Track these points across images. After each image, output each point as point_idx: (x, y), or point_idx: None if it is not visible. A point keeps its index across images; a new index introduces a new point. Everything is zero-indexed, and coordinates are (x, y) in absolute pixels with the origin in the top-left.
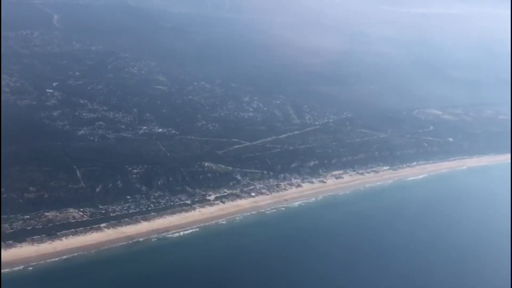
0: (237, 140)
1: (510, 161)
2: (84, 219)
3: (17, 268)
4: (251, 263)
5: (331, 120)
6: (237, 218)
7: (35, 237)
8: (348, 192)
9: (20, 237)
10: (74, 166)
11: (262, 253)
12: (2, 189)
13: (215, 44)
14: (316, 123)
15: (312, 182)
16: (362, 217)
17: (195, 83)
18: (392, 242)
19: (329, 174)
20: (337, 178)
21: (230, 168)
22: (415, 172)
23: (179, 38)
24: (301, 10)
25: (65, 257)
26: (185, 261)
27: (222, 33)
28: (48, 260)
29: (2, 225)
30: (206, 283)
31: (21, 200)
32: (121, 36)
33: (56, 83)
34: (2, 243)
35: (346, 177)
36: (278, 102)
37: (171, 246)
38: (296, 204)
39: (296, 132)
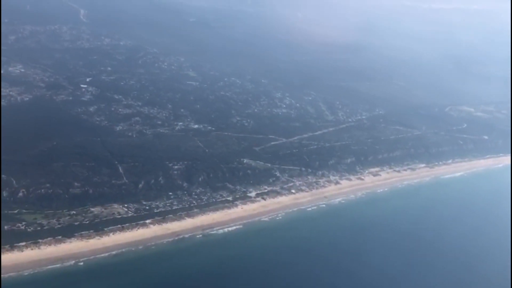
0: (273, 136)
1: None
2: (129, 215)
3: (68, 263)
4: (297, 262)
5: (363, 117)
6: (279, 215)
7: (83, 232)
8: (386, 189)
9: (69, 232)
10: (116, 162)
11: (308, 251)
12: (47, 184)
13: (241, 39)
14: (349, 119)
15: (350, 179)
16: (404, 214)
17: (225, 79)
18: (442, 238)
19: (366, 171)
20: (374, 175)
21: (269, 165)
22: (452, 170)
23: (204, 32)
24: (321, 4)
25: (114, 252)
26: (231, 257)
27: (246, 28)
28: (98, 256)
29: (50, 220)
30: (253, 280)
31: (66, 196)
32: (147, 30)
33: (90, 78)
34: (52, 238)
35: (383, 174)
36: (309, 98)
37: (216, 242)
38: (336, 201)
39: (331, 129)
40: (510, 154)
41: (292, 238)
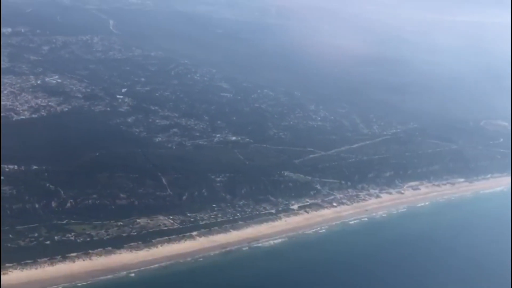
0: (311, 149)
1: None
2: (175, 226)
3: (119, 275)
4: (344, 276)
5: (399, 130)
6: (323, 228)
7: (132, 243)
8: (427, 203)
9: (118, 243)
10: (159, 174)
11: (354, 265)
12: (94, 195)
13: (270, 50)
14: (385, 133)
15: (390, 193)
16: (446, 229)
17: (258, 91)
18: (487, 254)
19: (406, 185)
20: (414, 189)
21: (309, 177)
22: (492, 185)
23: (233, 44)
24: (346, 17)
25: (163, 264)
26: (279, 271)
27: (274, 40)
28: (148, 267)
29: (98, 231)
30: None
31: (113, 207)
32: (176, 41)
33: (125, 89)
34: (102, 249)
35: (423, 189)
36: (343, 111)
37: (263, 255)
38: (378, 214)
39: (367, 142)
40: None
41: (337, 251)
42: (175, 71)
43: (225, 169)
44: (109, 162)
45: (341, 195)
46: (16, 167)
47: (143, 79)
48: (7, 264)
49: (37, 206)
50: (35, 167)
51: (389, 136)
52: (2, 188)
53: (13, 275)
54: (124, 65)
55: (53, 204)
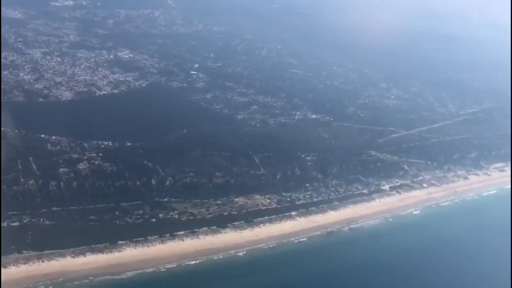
0: (392, 128)
1: None
2: (273, 206)
3: (228, 254)
4: (449, 259)
5: (475, 110)
6: (417, 209)
7: (235, 223)
8: None
9: (221, 223)
10: (250, 152)
11: (458, 249)
12: (191, 173)
13: (328, 26)
14: (462, 112)
15: (477, 175)
16: None
17: (328, 68)
18: None
19: (491, 167)
20: (500, 170)
21: (396, 157)
22: None
23: (292, 19)
24: None
25: (270, 245)
26: (384, 252)
27: (331, 15)
28: (255, 247)
29: (200, 210)
30: (414, 275)
31: (210, 185)
32: (235, 15)
33: (197, 65)
34: (207, 228)
35: (509, 170)
36: (414, 89)
37: (364, 237)
38: (469, 196)
39: (447, 122)
40: None
41: (436, 234)
42: (241, 46)
43: (313, 148)
44: (199, 140)
45: (429, 176)
46: (110, 143)
47: (212, 55)
48: (119, 242)
49: (138, 183)
50: (128, 143)
51: (467, 116)
52: (103, 164)
53: (126, 252)
54: (190, 40)
55: (153, 181)
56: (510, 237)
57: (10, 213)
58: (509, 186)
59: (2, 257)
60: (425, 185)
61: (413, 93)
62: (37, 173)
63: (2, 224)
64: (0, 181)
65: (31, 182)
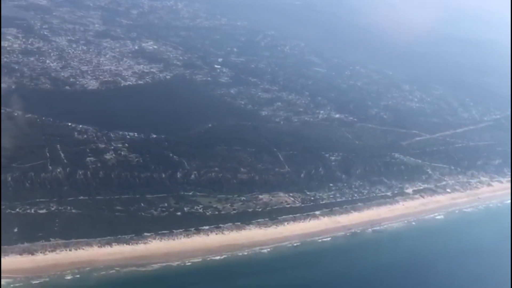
0: (416, 131)
1: None
2: (297, 205)
3: (253, 251)
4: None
5: (498, 117)
6: (440, 214)
7: (259, 220)
8: None
9: (245, 219)
10: (275, 149)
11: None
12: (216, 168)
13: (351, 26)
14: (485, 118)
15: (501, 182)
16: None
17: (350, 67)
18: None
19: None
20: None
21: (419, 161)
22: None
23: (313, 17)
24: None
25: (294, 243)
26: (406, 259)
27: (350, 14)
28: (279, 245)
29: (224, 205)
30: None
31: (234, 181)
32: (257, 11)
33: (221, 59)
34: (232, 224)
35: None
36: (437, 92)
37: (388, 240)
38: (492, 204)
39: (471, 127)
40: None
41: (459, 240)
42: (264, 42)
43: (336, 147)
44: (224, 135)
45: (453, 181)
46: (136, 134)
47: (235, 49)
48: (145, 234)
49: (163, 175)
50: (154, 135)
51: (491, 122)
52: (129, 155)
53: (152, 245)
54: (214, 34)
55: (178, 175)
56: None
57: (37, 200)
58: None
59: (29, 244)
60: (448, 190)
61: (436, 96)
62: (65, 161)
63: (30, 211)
64: (0, 171)
65: (58, 170)
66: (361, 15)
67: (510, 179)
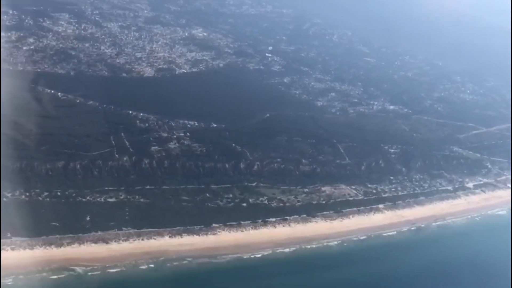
0: (472, 124)
1: None
2: (360, 197)
3: (320, 244)
4: None
5: None
6: (503, 210)
7: (324, 213)
8: None
9: (311, 211)
10: (334, 141)
11: None
12: (278, 159)
13: (399, 15)
14: None
15: None
16: None
17: (400, 58)
18: None
19: None
20: None
21: (478, 155)
22: None
23: (360, 5)
24: None
25: (361, 237)
26: (473, 255)
27: (400, 3)
28: (345, 238)
29: (288, 197)
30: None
31: (297, 172)
32: None
33: (271, 47)
34: (298, 216)
35: None
36: (489, 84)
37: (453, 236)
38: None
39: None
40: None
41: None
42: (312, 31)
43: (395, 140)
44: (282, 125)
45: None
46: (196, 123)
47: (284, 38)
48: (214, 224)
49: (227, 166)
50: (214, 125)
51: None
52: (192, 144)
53: (222, 236)
54: (261, 22)
55: (242, 165)
56: None
57: (106, 188)
58: None
59: (103, 233)
60: (509, 185)
61: (489, 88)
62: (130, 149)
63: (100, 199)
64: (0, 161)
65: (125, 158)
66: (409, 5)
67: None
